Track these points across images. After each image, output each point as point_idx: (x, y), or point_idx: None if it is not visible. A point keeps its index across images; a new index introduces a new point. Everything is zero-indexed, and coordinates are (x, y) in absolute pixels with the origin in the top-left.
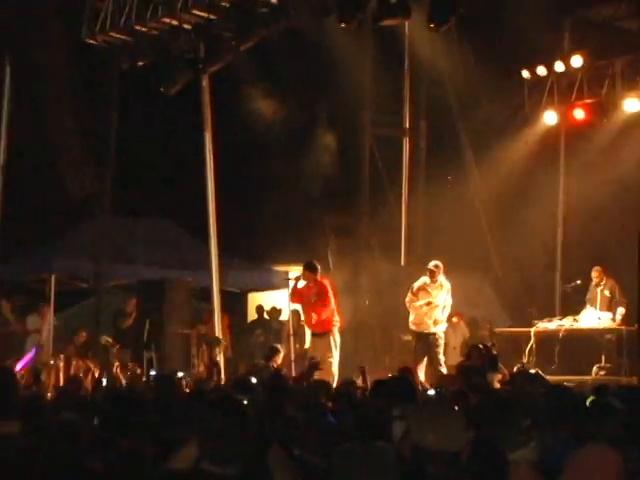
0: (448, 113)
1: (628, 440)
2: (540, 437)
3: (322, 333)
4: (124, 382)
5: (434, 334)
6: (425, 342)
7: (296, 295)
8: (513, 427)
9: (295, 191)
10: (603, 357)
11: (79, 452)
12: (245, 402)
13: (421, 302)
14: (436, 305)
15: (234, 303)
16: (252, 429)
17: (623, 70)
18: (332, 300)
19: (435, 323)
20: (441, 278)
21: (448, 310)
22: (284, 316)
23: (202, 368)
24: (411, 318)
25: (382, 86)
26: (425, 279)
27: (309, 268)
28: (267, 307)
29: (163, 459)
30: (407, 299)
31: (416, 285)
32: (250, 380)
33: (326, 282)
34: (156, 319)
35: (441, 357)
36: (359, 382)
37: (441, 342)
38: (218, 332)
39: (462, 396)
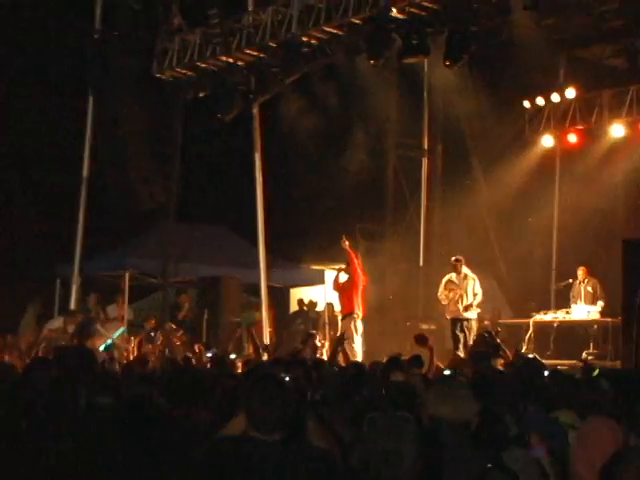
0: (461, 137)
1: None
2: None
3: (346, 315)
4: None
5: (466, 319)
6: (458, 326)
7: (336, 286)
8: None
9: (330, 202)
10: (591, 344)
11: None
12: (287, 379)
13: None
14: (463, 293)
15: (278, 297)
16: (292, 402)
17: (610, 101)
18: (359, 294)
19: (466, 309)
20: (465, 270)
21: (479, 297)
22: (320, 307)
23: (250, 350)
24: (446, 309)
25: (405, 114)
26: (452, 274)
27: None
28: (306, 300)
29: (217, 427)
30: (439, 294)
31: (444, 280)
32: (291, 360)
33: (359, 281)
34: (213, 310)
35: (470, 341)
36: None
37: (472, 325)
38: (265, 321)
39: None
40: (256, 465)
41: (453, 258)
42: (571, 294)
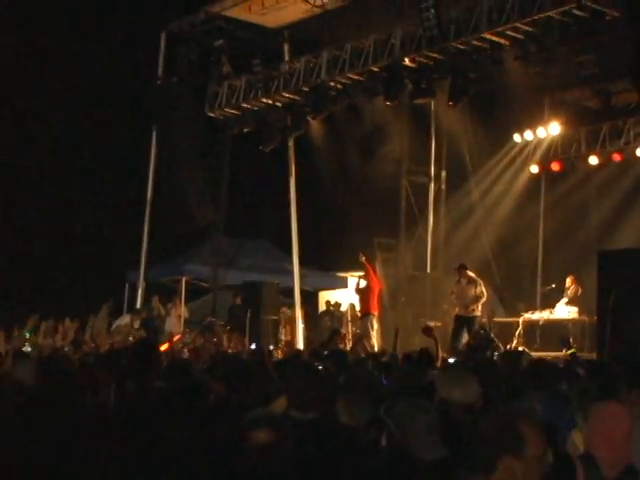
0: (461, 165)
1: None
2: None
3: (364, 314)
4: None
5: (469, 318)
6: (462, 323)
7: (357, 290)
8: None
9: (353, 220)
10: (571, 339)
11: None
12: (320, 367)
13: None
14: (465, 295)
15: (309, 298)
16: (325, 387)
17: (586, 136)
18: (375, 298)
19: (468, 310)
20: (469, 274)
21: (483, 299)
22: (344, 307)
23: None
24: (455, 307)
25: (414, 146)
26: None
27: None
28: (332, 301)
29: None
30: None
31: (452, 285)
32: (322, 352)
33: (375, 287)
34: (254, 309)
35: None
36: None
37: (472, 325)
38: (298, 319)
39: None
40: (296, 439)
41: (457, 265)
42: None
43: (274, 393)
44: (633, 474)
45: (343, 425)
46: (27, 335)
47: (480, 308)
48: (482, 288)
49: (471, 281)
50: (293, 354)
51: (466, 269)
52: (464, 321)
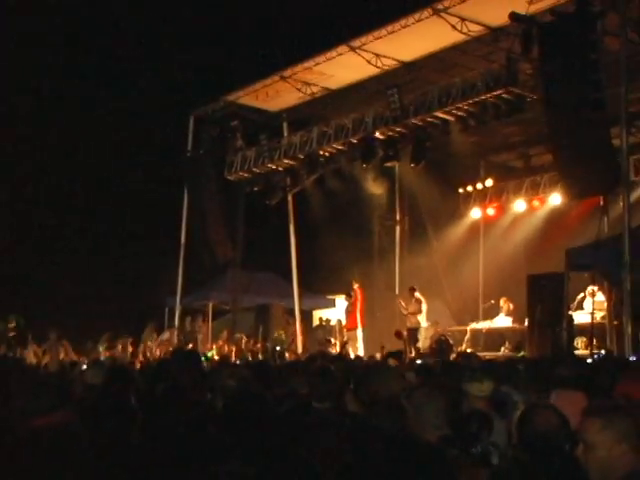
0: (419, 212)
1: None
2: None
3: (351, 328)
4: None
5: (416, 329)
6: (412, 334)
7: (346, 311)
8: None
9: (338, 255)
10: (507, 342)
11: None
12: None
13: (404, 311)
14: (413, 312)
15: (306, 316)
16: (337, 382)
17: (513, 188)
18: (357, 313)
19: (415, 323)
20: (417, 295)
21: (423, 313)
22: (332, 322)
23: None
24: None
25: (384, 197)
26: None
27: (349, 296)
28: (323, 318)
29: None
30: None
31: (404, 301)
32: (334, 356)
33: (358, 304)
34: (265, 326)
35: (420, 342)
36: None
37: (419, 335)
38: (298, 331)
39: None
40: (317, 423)
41: (409, 288)
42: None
43: (298, 389)
44: None
45: (351, 412)
46: (100, 349)
47: (423, 320)
48: (423, 305)
49: (417, 300)
50: (309, 358)
51: (415, 290)
52: (412, 330)
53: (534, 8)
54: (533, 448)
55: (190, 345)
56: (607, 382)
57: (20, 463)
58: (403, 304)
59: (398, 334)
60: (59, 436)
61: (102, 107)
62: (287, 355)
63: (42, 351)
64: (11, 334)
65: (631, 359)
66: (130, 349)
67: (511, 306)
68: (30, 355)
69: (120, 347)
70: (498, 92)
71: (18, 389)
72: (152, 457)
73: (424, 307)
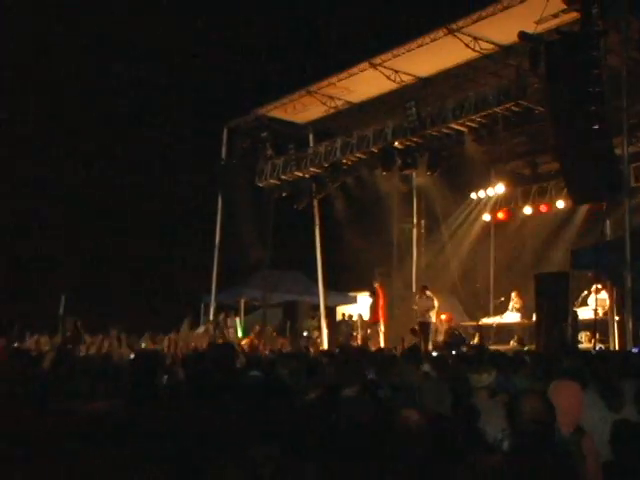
0: (435, 216)
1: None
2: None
3: (373, 322)
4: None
5: (427, 324)
6: (423, 328)
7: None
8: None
9: (361, 256)
10: (516, 336)
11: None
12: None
13: (414, 307)
14: (424, 308)
15: (330, 312)
16: (361, 372)
17: (522, 194)
18: (380, 309)
19: (427, 317)
20: (428, 293)
21: (434, 311)
22: (355, 317)
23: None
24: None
25: (402, 202)
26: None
27: (372, 293)
28: (346, 313)
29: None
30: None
31: (416, 299)
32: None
33: (380, 301)
34: (293, 321)
35: (430, 336)
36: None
37: (431, 327)
38: (323, 326)
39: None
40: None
41: (421, 286)
42: (509, 305)
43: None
44: (580, 432)
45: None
46: (143, 344)
47: (433, 316)
48: (434, 302)
49: (428, 297)
50: (340, 351)
51: (427, 289)
52: (424, 325)
53: (541, 28)
54: (521, 433)
55: (223, 338)
56: (606, 374)
57: (75, 443)
58: (415, 300)
59: (413, 331)
60: (108, 419)
61: (150, 121)
62: (312, 349)
63: (99, 345)
64: (68, 333)
65: (633, 350)
66: (168, 342)
67: (521, 301)
68: (84, 348)
69: (160, 340)
70: (508, 105)
71: (75, 378)
72: (191, 441)
73: (435, 304)
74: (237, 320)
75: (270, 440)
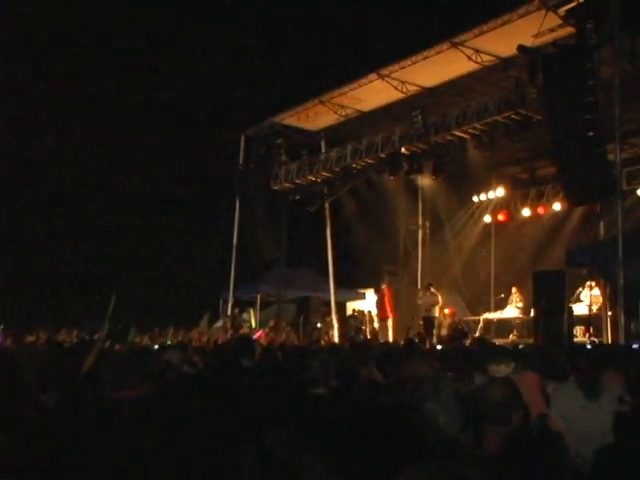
0: (439, 217)
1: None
2: None
3: (383, 318)
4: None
5: (432, 318)
6: (427, 322)
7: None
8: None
9: (370, 254)
10: (515, 330)
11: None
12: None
13: (419, 301)
14: (428, 304)
15: (340, 307)
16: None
17: (521, 197)
18: (387, 306)
19: (431, 312)
20: (433, 289)
21: (438, 306)
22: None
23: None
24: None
25: (408, 205)
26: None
27: (377, 290)
28: (356, 309)
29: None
30: (418, 301)
31: (420, 295)
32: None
33: (385, 299)
34: (305, 315)
35: (434, 329)
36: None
37: (432, 322)
38: (334, 320)
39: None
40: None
41: (425, 283)
42: (508, 301)
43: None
44: (544, 416)
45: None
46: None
47: (437, 311)
48: (438, 298)
49: (432, 294)
50: (361, 345)
51: (431, 285)
52: (428, 319)
53: (539, 41)
54: (487, 416)
55: (240, 331)
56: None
57: (108, 428)
58: (420, 296)
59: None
60: (141, 405)
61: (171, 130)
62: (322, 342)
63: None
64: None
65: (634, 347)
66: (189, 336)
67: (520, 297)
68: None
69: (184, 333)
70: (508, 114)
71: (109, 367)
72: (209, 426)
73: (439, 300)
74: (251, 311)
75: (284, 426)
